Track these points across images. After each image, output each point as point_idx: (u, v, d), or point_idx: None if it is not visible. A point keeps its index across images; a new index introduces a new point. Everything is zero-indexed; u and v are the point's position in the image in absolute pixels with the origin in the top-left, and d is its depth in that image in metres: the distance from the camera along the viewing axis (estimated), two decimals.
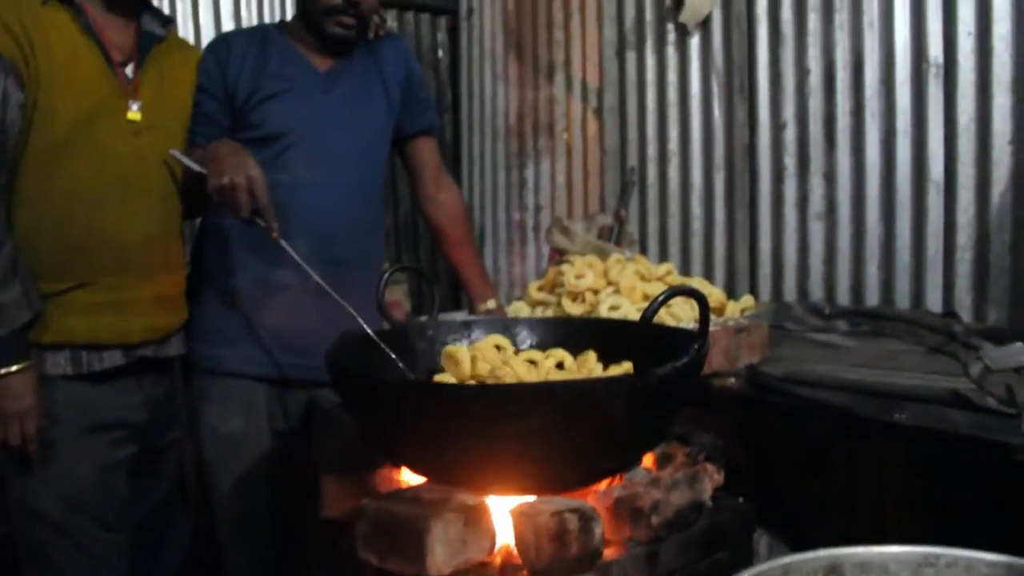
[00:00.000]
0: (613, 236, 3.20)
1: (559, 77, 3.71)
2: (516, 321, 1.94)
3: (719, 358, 2.05)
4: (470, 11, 4.10)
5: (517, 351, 1.76)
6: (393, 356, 1.64)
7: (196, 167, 1.83)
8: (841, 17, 2.80)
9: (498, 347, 1.72)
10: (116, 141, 1.91)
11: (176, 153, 1.88)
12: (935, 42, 2.59)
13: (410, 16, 4.25)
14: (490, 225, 4.04)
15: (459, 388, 1.41)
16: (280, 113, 2.06)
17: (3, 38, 1.77)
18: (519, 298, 3.65)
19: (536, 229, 3.83)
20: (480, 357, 1.57)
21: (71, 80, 1.84)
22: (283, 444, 2.13)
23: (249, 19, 3.67)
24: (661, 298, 1.28)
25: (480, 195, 4.09)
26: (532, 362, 1.67)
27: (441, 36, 4.35)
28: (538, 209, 3.83)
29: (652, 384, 1.31)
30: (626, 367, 1.60)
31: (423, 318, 2.89)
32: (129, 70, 1.96)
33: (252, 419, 2.08)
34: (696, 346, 1.37)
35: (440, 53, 4.37)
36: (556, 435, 1.31)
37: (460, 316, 2.44)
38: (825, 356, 2.24)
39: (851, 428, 1.77)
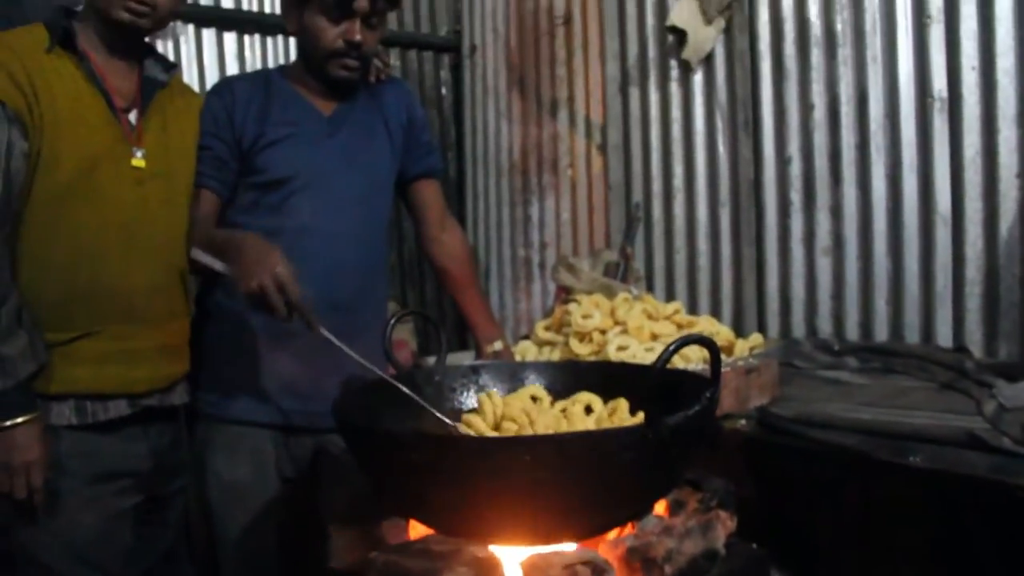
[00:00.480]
0: (619, 273, 3.20)
1: (562, 113, 3.72)
2: (524, 365, 1.92)
3: (729, 400, 2.03)
4: (473, 48, 4.13)
5: (554, 401, 1.73)
6: (423, 403, 1.62)
7: (220, 267, 1.77)
8: (844, 52, 2.80)
9: (535, 397, 1.70)
10: (120, 189, 1.89)
11: (199, 254, 1.82)
12: (939, 76, 2.59)
13: (413, 54, 4.28)
14: (495, 262, 4.03)
15: (468, 441, 1.39)
16: (285, 158, 2.05)
17: (7, 87, 1.76)
18: (525, 336, 3.64)
19: (542, 266, 3.83)
20: (507, 415, 1.55)
21: (75, 128, 1.83)
22: (290, 491, 2.11)
23: (253, 61, 3.69)
24: (672, 347, 1.25)
25: (485, 232, 4.09)
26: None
27: (444, 74, 4.38)
28: (543, 246, 3.82)
29: (663, 434, 1.29)
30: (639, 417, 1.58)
31: (431, 359, 2.90)
32: (132, 116, 1.95)
33: (259, 466, 2.07)
34: (708, 394, 1.35)
35: (443, 91, 4.39)
36: (566, 487, 1.29)
37: (467, 359, 2.42)
38: (836, 394, 2.22)
39: (865, 471, 1.75)
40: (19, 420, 1.75)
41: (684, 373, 1.80)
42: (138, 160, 1.92)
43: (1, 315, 1.73)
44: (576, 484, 1.29)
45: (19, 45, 1.83)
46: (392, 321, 1.83)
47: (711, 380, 1.38)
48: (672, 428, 1.30)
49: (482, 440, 1.39)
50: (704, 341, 1.34)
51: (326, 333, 1.71)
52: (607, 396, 1.70)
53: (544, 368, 1.88)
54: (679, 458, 1.44)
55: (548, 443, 1.29)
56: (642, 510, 1.50)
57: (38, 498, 1.79)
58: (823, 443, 1.84)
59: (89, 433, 1.89)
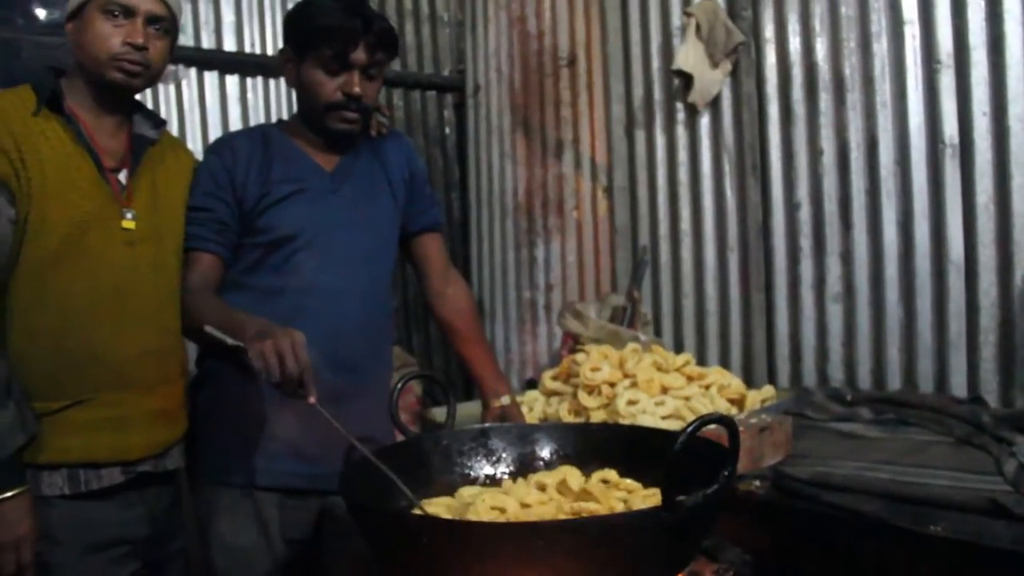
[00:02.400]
0: (626, 317, 3.17)
1: (567, 155, 3.70)
2: (534, 428, 1.88)
3: (743, 460, 1.97)
4: (476, 88, 4.11)
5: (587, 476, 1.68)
6: (401, 486, 1.56)
7: (231, 342, 1.70)
8: (853, 97, 2.78)
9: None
10: (110, 252, 1.85)
11: (210, 329, 1.74)
12: (950, 122, 2.57)
13: (416, 94, 4.27)
14: (500, 303, 4.00)
15: (481, 527, 1.35)
16: (289, 216, 2.02)
17: None
18: (530, 380, 3.61)
19: (547, 308, 3.79)
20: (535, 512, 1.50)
21: (63, 192, 1.79)
22: (295, 553, 2.06)
23: (255, 103, 3.69)
24: (690, 428, 1.22)
25: (490, 273, 4.06)
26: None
27: (448, 113, 4.37)
28: (549, 288, 3.79)
29: (680, 515, 1.25)
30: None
31: (435, 410, 2.86)
32: (122, 177, 1.91)
33: (263, 530, 2.02)
34: (726, 472, 1.31)
35: (447, 130, 4.38)
36: (581, 570, 1.25)
37: (475, 410, 2.39)
38: (851, 450, 2.18)
39: (883, 537, 1.71)
40: (8, 494, 1.69)
41: (700, 442, 1.76)
42: (128, 222, 1.88)
43: None
44: (592, 567, 1.25)
45: (5, 109, 1.79)
46: (399, 386, 1.79)
47: (729, 456, 1.34)
48: (689, 509, 1.26)
49: (495, 526, 1.35)
50: (723, 421, 1.30)
51: (321, 410, 1.65)
52: (619, 461, 1.66)
53: (553, 431, 1.84)
54: (696, 535, 1.40)
55: (563, 529, 1.25)
56: None
57: (28, 574, 1.74)
58: (840, 508, 1.79)
59: (83, 502, 1.83)
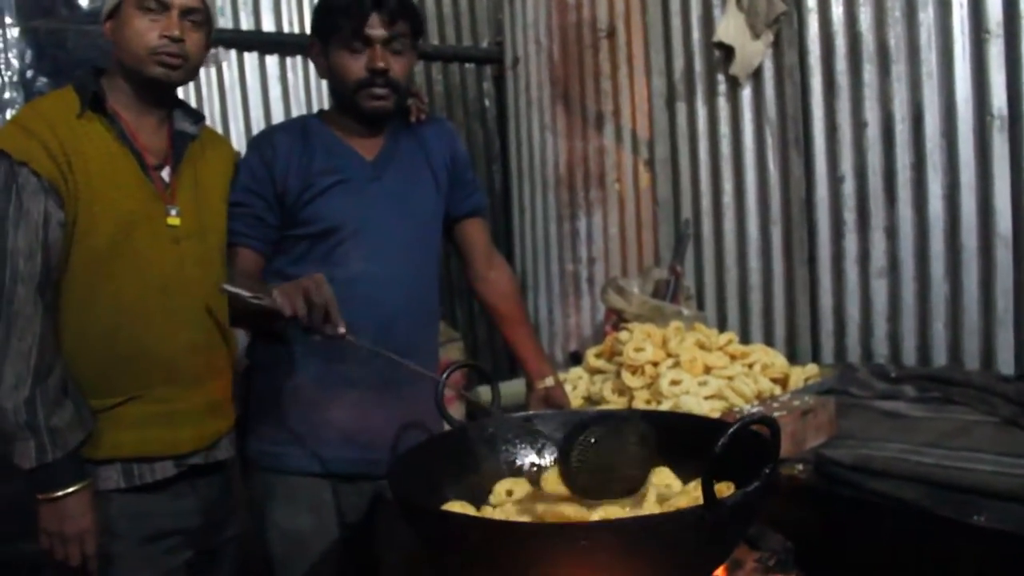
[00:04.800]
0: (669, 291, 3.17)
1: (608, 127, 3.68)
2: (578, 414, 1.90)
3: (786, 444, 1.98)
4: (516, 60, 4.09)
5: None
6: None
7: (249, 295, 1.76)
8: (898, 69, 2.74)
9: None
10: (156, 249, 1.88)
11: (229, 287, 1.80)
12: (999, 94, 2.53)
13: (455, 67, 4.27)
14: (543, 276, 4.01)
15: (526, 527, 1.38)
16: (333, 208, 2.04)
17: (41, 158, 1.75)
18: (574, 352, 3.64)
19: (590, 281, 3.80)
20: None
21: (109, 192, 1.82)
22: (350, 536, 2.11)
23: (295, 82, 3.74)
24: (733, 430, 1.23)
25: (532, 246, 4.07)
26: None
27: (487, 86, 4.36)
28: (591, 261, 3.79)
29: (722, 514, 1.27)
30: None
31: (480, 389, 2.89)
32: (165, 174, 1.93)
33: (319, 516, 2.07)
34: (767, 470, 1.33)
35: (487, 103, 4.37)
36: (624, 568, 1.28)
37: (519, 389, 2.42)
38: (894, 431, 2.17)
39: (925, 527, 1.71)
40: (71, 490, 1.75)
41: (744, 435, 1.77)
42: (173, 218, 1.91)
43: (48, 386, 1.73)
44: (633, 565, 1.28)
45: (51, 113, 1.82)
46: (444, 376, 1.81)
47: (771, 454, 1.35)
48: (730, 508, 1.28)
49: (540, 526, 1.37)
50: (766, 421, 1.31)
51: (351, 337, 1.74)
52: (663, 450, 1.68)
53: (598, 418, 1.86)
54: (737, 531, 1.42)
55: (606, 529, 1.28)
56: None
57: (92, 565, 1.80)
58: (882, 494, 1.80)
59: (137, 495, 1.89)
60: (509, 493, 1.61)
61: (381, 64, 2.01)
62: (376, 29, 2.00)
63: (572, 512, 1.43)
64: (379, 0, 1.99)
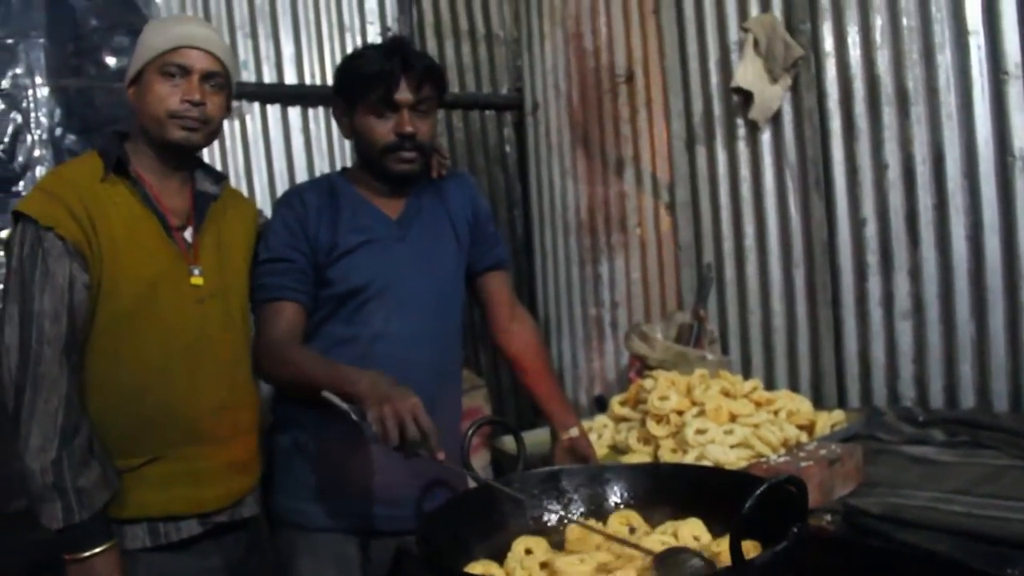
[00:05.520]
0: (693, 336, 3.16)
1: (628, 172, 3.70)
2: (604, 469, 1.89)
3: (814, 494, 1.96)
4: (535, 106, 4.13)
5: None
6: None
7: (346, 408, 1.74)
8: (917, 111, 2.74)
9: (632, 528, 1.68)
10: (180, 310, 1.91)
11: (329, 395, 1.78)
12: (1019, 134, 2.52)
13: (476, 114, 4.31)
14: (566, 321, 4.01)
15: None
16: (359, 267, 2.06)
17: (67, 222, 1.79)
18: (599, 396, 3.63)
19: (613, 325, 3.79)
20: None
21: (132, 254, 1.85)
22: None
23: (318, 133, 3.79)
24: (760, 492, 1.23)
25: (555, 290, 4.08)
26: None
27: (508, 131, 4.40)
28: (614, 305, 3.79)
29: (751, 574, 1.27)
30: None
31: (504, 439, 2.89)
32: (188, 235, 1.97)
33: (344, 571, 2.07)
34: (795, 529, 1.32)
35: (507, 148, 4.41)
36: None
37: (543, 438, 2.41)
38: (923, 477, 2.15)
39: None
40: (98, 550, 1.77)
41: (772, 488, 1.76)
42: (196, 278, 1.94)
43: (75, 447, 1.76)
44: None
45: (75, 178, 1.87)
46: (470, 433, 1.83)
47: (799, 514, 1.35)
48: (759, 568, 1.28)
49: None
50: (792, 481, 1.31)
51: (451, 464, 1.76)
52: (690, 504, 1.67)
53: (624, 472, 1.86)
54: None
55: None
56: None
57: None
58: (912, 546, 1.78)
59: (163, 553, 1.90)
60: (528, 552, 1.60)
61: (410, 129, 2.04)
62: (404, 94, 2.03)
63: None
64: (407, 67, 2.02)
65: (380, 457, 2.03)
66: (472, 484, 1.86)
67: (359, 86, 2.05)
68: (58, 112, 3.25)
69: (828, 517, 1.98)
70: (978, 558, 1.68)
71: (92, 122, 3.21)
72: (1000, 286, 2.59)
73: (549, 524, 1.77)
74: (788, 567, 1.39)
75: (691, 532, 1.61)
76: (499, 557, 1.58)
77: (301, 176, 3.68)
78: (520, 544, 1.61)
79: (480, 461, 3.02)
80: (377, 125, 2.06)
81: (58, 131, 3.25)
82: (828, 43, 2.96)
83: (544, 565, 1.53)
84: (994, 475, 2.12)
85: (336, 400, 1.76)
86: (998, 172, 2.58)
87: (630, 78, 3.67)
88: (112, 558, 1.79)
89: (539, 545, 1.61)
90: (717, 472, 1.92)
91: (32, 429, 1.75)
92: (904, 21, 2.75)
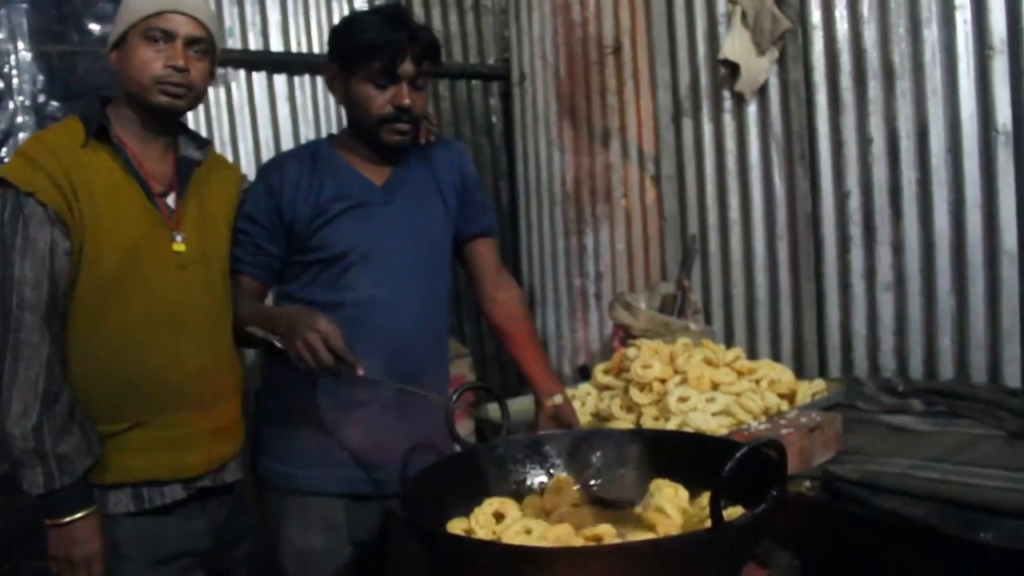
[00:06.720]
0: (677, 306, 3.19)
1: (615, 143, 3.70)
2: (590, 433, 1.92)
3: (793, 460, 2.00)
4: (522, 77, 4.12)
5: None
6: None
7: (274, 339, 1.87)
8: (903, 85, 2.75)
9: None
10: (162, 276, 1.91)
11: (255, 330, 1.89)
12: (1003, 110, 2.53)
13: (462, 84, 4.30)
14: (551, 291, 4.03)
15: (537, 551, 1.39)
16: (342, 233, 2.06)
17: (47, 188, 1.78)
18: (582, 366, 3.65)
19: (598, 296, 3.81)
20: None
21: (114, 220, 1.85)
22: (361, 555, 2.13)
23: (303, 101, 3.77)
24: (739, 455, 1.25)
25: (540, 261, 4.09)
26: None
27: (494, 102, 4.39)
28: (599, 276, 3.81)
29: (729, 537, 1.29)
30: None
31: (489, 407, 2.91)
32: (171, 200, 1.96)
33: (332, 534, 2.09)
34: (774, 492, 1.35)
35: (494, 119, 4.40)
36: None
37: (528, 405, 2.43)
38: (901, 446, 2.18)
39: (932, 544, 1.72)
40: (78, 515, 1.78)
41: (752, 452, 1.78)
42: (179, 245, 1.94)
43: (56, 413, 1.76)
44: None
45: (56, 143, 1.85)
46: (454, 397, 1.84)
47: (778, 477, 1.37)
48: (738, 529, 1.30)
49: (551, 551, 1.39)
50: (772, 444, 1.33)
51: (367, 376, 1.82)
52: (670, 466, 1.70)
53: (606, 437, 1.88)
54: (744, 551, 1.44)
55: (616, 552, 1.29)
56: None
57: None
58: (889, 512, 1.81)
59: (147, 518, 1.91)
60: (499, 517, 1.61)
61: (408, 102, 2.04)
62: (407, 67, 2.03)
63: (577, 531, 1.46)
64: (414, 40, 2.02)
65: (367, 422, 2.05)
66: (457, 449, 1.88)
67: (361, 54, 2.03)
68: (40, 78, 3.22)
69: (807, 483, 2.02)
70: (952, 523, 1.71)
71: (75, 88, 3.19)
72: (980, 261, 2.61)
73: (532, 488, 1.79)
74: (767, 529, 1.42)
75: (670, 493, 1.63)
76: None
77: (287, 144, 3.67)
78: (489, 505, 1.62)
79: (464, 429, 3.04)
80: (375, 95, 2.05)
81: (41, 97, 3.23)
82: (816, 16, 2.96)
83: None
84: (970, 444, 2.16)
85: (262, 333, 1.89)
86: (981, 147, 2.59)
87: (617, 49, 3.67)
88: (92, 523, 1.81)
89: (510, 508, 1.63)
90: (698, 438, 1.94)
91: (13, 395, 1.76)
92: None
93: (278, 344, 1.85)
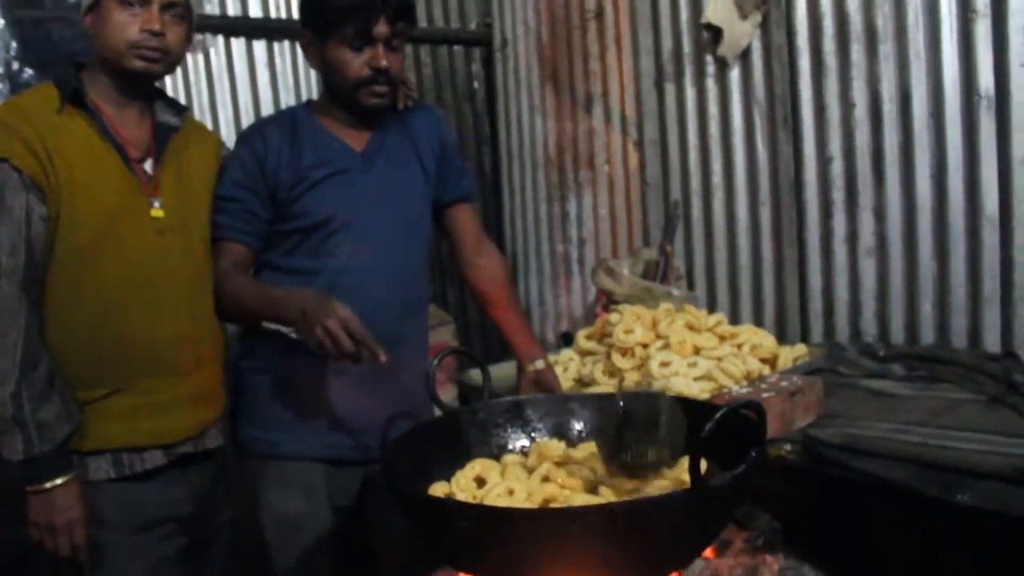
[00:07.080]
0: (659, 272, 3.18)
1: (597, 108, 3.68)
2: (568, 399, 1.92)
3: (774, 424, 2.01)
4: (504, 42, 4.08)
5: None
6: None
7: (287, 330, 1.84)
8: (886, 48, 2.73)
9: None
10: (140, 242, 1.89)
11: (266, 324, 1.86)
12: (986, 74, 2.52)
13: (444, 49, 4.26)
14: (533, 257, 4.02)
15: (518, 512, 1.39)
16: (322, 200, 2.04)
17: (22, 153, 1.75)
18: (565, 332, 3.65)
19: (580, 262, 3.80)
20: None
21: (91, 186, 1.83)
22: (342, 520, 2.14)
23: (283, 68, 3.73)
24: (719, 415, 1.25)
25: (522, 227, 4.07)
26: None
27: (476, 67, 4.35)
28: (582, 242, 3.79)
29: (709, 496, 1.30)
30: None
31: (471, 371, 2.91)
32: (148, 166, 1.94)
33: (312, 500, 2.09)
34: (754, 453, 1.35)
35: (476, 84, 4.36)
36: (614, 550, 1.30)
37: (511, 370, 2.43)
38: (882, 410, 2.20)
39: (911, 506, 1.73)
40: (58, 481, 1.78)
41: (731, 414, 1.79)
42: (156, 211, 1.92)
43: (34, 380, 1.75)
44: (623, 547, 1.30)
45: (30, 109, 1.83)
46: (435, 362, 1.84)
47: (758, 437, 1.37)
48: (717, 490, 1.30)
49: (531, 512, 1.39)
50: (752, 405, 1.33)
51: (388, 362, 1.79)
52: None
53: (588, 401, 1.88)
54: (725, 511, 1.44)
55: (596, 513, 1.30)
56: (688, 561, 1.51)
57: (82, 555, 1.83)
58: (868, 474, 1.82)
59: (128, 484, 1.91)
60: (480, 481, 1.62)
61: (385, 63, 2.02)
62: (381, 28, 1.99)
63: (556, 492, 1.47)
64: (385, 1, 1.98)
65: (347, 387, 2.04)
66: (438, 413, 1.88)
67: (335, 17, 2.00)
68: (14, 45, 3.17)
69: (788, 447, 2.03)
70: (931, 485, 1.73)
71: (49, 56, 3.14)
72: (962, 226, 2.61)
73: (514, 452, 1.79)
74: (748, 490, 1.43)
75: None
76: None
77: (267, 111, 3.62)
78: (471, 468, 1.63)
79: (447, 396, 3.04)
80: (351, 58, 2.02)
81: (15, 65, 3.18)
82: None
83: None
84: (950, 407, 2.18)
85: (274, 327, 1.85)
86: (964, 112, 2.58)
87: (599, 14, 3.63)
88: (73, 489, 1.80)
89: (491, 470, 1.63)
90: (680, 401, 1.94)
91: None
92: None
93: (293, 336, 1.82)
